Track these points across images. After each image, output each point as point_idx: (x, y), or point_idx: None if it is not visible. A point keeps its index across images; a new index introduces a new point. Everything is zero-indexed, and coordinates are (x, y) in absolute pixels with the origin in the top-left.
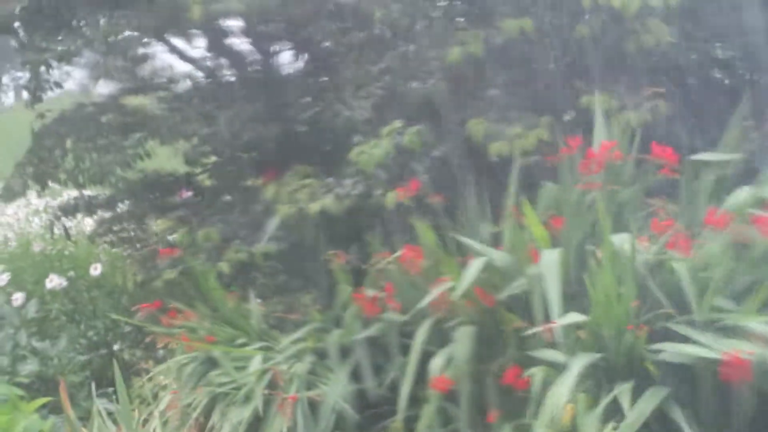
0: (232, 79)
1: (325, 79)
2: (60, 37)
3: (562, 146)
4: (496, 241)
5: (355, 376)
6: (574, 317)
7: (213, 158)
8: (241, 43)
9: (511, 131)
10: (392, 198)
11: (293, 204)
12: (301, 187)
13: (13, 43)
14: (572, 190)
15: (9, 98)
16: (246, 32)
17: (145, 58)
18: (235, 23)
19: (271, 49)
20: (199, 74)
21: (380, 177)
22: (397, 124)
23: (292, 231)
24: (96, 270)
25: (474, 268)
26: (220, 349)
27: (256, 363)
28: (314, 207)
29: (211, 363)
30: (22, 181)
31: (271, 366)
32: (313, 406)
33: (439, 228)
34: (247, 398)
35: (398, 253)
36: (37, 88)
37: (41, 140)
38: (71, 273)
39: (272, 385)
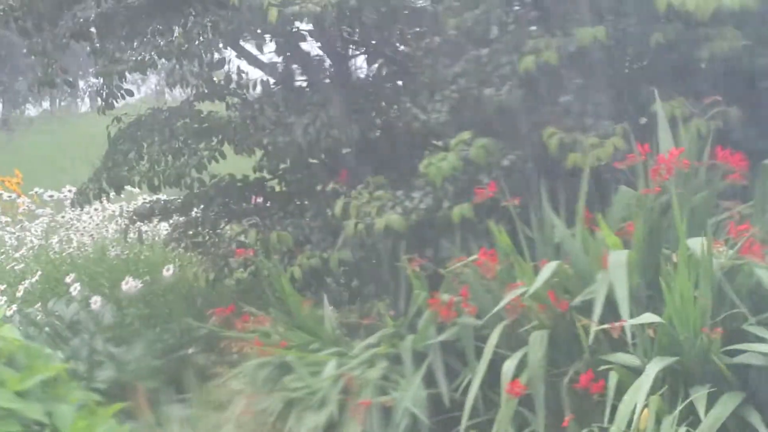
0: (305, 84)
1: (399, 83)
2: (134, 45)
3: (635, 152)
4: (568, 246)
5: (429, 380)
6: (648, 318)
7: (285, 164)
8: (314, 48)
9: (586, 141)
10: (458, 212)
11: (361, 219)
12: (371, 200)
13: (88, 48)
14: (645, 195)
15: (85, 104)
16: (319, 36)
17: (220, 64)
18: (308, 27)
19: (344, 53)
20: (272, 80)
21: (447, 190)
22: (465, 135)
23: (365, 239)
24: (168, 271)
25: (546, 271)
26: (294, 354)
27: (330, 368)
28: (380, 223)
29: (285, 368)
30: (97, 185)
31: (345, 371)
32: (386, 411)
33: (513, 233)
34: (322, 403)
35: (473, 257)
36: (109, 96)
37: (117, 145)
38: (147, 277)
39: (346, 391)
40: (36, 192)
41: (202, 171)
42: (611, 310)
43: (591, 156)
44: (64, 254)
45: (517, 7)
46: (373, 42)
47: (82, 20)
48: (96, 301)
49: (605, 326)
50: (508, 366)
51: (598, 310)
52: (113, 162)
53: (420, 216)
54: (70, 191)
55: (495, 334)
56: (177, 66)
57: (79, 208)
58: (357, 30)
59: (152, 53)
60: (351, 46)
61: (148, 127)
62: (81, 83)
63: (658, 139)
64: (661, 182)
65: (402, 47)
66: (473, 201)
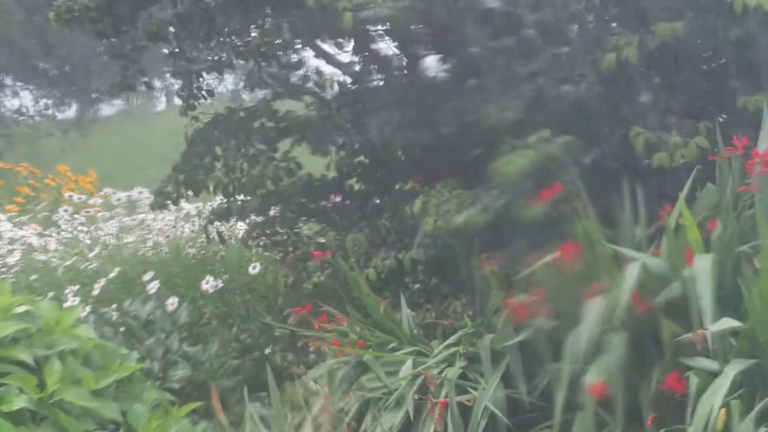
0: (381, 83)
1: (474, 81)
2: (211, 46)
3: (720, 149)
4: (650, 245)
5: (506, 380)
6: (728, 323)
7: (362, 162)
8: (389, 48)
9: (671, 140)
10: (536, 210)
11: (439, 216)
12: (450, 198)
13: (165, 50)
14: (729, 194)
15: (160, 102)
16: (394, 37)
17: (298, 65)
18: (383, 28)
19: (419, 53)
20: (348, 79)
21: (526, 187)
22: (545, 133)
23: (442, 239)
24: (255, 269)
25: (632, 274)
26: (372, 354)
27: (406, 368)
28: (459, 219)
29: (363, 367)
30: (175, 188)
31: (422, 370)
32: (464, 411)
33: (592, 232)
34: (398, 403)
35: (551, 257)
36: (189, 97)
37: (194, 146)
38: (225, 276)
39: (423, 390)
40: (107, 192)
41: (277, 183)
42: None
43: (676, 156)
44: (139, 254)
45: (597, 3)
46: (447, 41)
47: (159, 21)
48: (173, 303)
49: (688, 335)
50: (590, 369)
51: (693, 316)
52: (190, 165)
53: (498, 212)
54: (140, 192)
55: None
56: (255, 68)
57: (157, 211)
58: (430, 30)
59: (230, 53)
60: (425, 45)
61: (224, 127)
62: (157, 82)
63: (752, 134)
64: (754, 179)
65: (475, 47)
66: (543, 200)
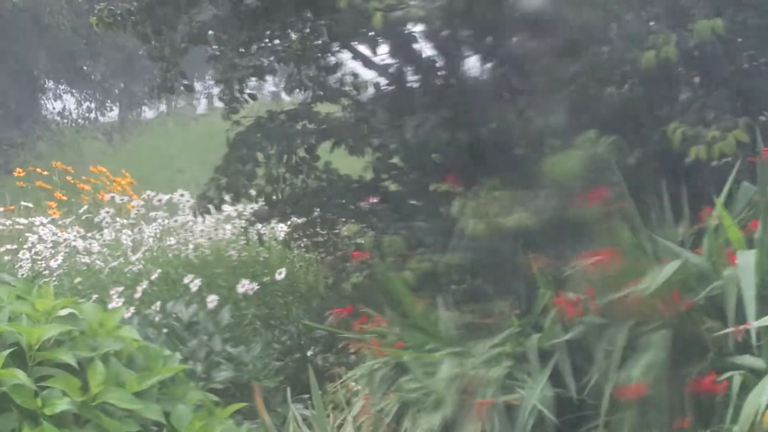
0: (417, 85)
1: (514, 84)
2: (252, 50)
3: (760, 148)
4: (692, 244)
5: (554, 380)
6: None
7: (397, 164)
8: (425, 49)
9: (708, 134)
10: (589, 212)
11: (482, 218)
12: (491, 200)
13: (207, 54)
14: None
15: (201, 105)
16: (430, 38)
17: (336, 67)
18: (418, 30)
19: (456, 54)
20: (384, 81)
21: (575, 188)
22: (591, 134)
23: (482, 240)
24: (280, 275)
25: (669, 268)
26: (410, 355)
27: (445, 369)
28: (510, 222)
29: (402, 368)
30: (217, 192)
31: (462, 371)
32: (509, 411)
33: (635, 232)
34: (437, 404)
35: (596, 257)
36: (231, 101)
37: (236, 150)
38: (266, 278)
39: (464, 391)
40: (149, 195)
41: (319, 195)
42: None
43: (713, 149)
44: (181, 256)
45: (635, 2)
46: (486, 42)
47: (199, 24)
48: (213, 300)
49: (729, 330)
50: (634, 367)
51: (733, 314)
52: (233, 169)
53: (549, 215)
54: (182, 195)
55: (621, 334)
56: (295, 71)
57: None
58: (469, 31)
59: (270, 58)
60: (463, 46)
61: (266, 130)
62: (198, 85)
63: None
64: None
65: (514, 48)
66: (590, 204)
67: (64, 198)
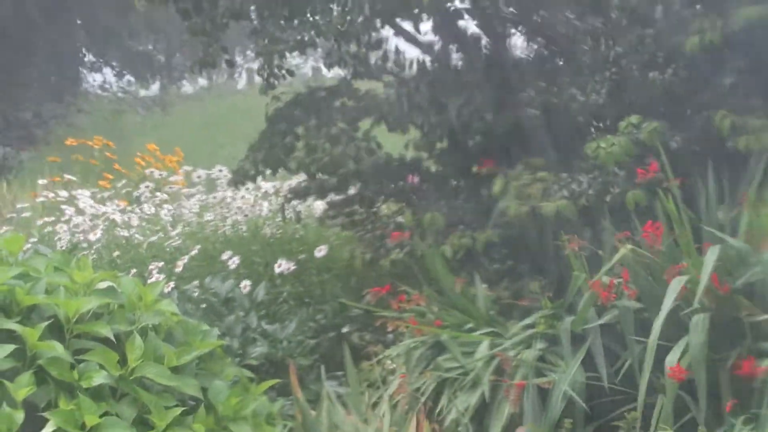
0: (461, 63)
1: (559, 63)
2: (294, 25)
3: None
4: (733, 228)
5: (586, 363)
6: None
7: (441, 144)
8: (470, 27)
9: (756, 123)
10: (632, 198)
11: (523, 201)
12: (533, 182)
13: (249, 29)
14: None
15: (242, 80)
16: (474, 15)
17: (378, 44)
18: (464, 6)
19: (502, 32)
20: (428, 58)
21: (618, 174)
22: (634, 119)
23: (522, 221)
24: (320, 252)
25: (711, 256)
26: (448, 334)
27: (483, 348)
28: (549, 208)
29: (439, 347)
30: (253, 165)
31: (499, 352)
32: (541, 394)
33: (676, 214)
34: (474, 384)
35: (632, 241)
36: (270, 76)
37: (274, 125)
38: (302, 256)
39: (499, 371)
40: (187, 170)
41: (359, 163)
42: None
43: (761, 139)
44: (218, 232)
45: None
46: (533, 21)
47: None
48: (245, 286)
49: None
50: (672, 352)
51: None
52: (270, 143)
53: (589, 201)
54: (221, 170)
55: (659, 321)
56: (336, 46)
57: (234, 188)
58: (515, 8)
59: (312, 32)
60: (509, 24)
61: (305, 106)
62: (239, 59)
63: None
64: None
65: (560, 27)
66: (638, 182)
67: (122, 170)
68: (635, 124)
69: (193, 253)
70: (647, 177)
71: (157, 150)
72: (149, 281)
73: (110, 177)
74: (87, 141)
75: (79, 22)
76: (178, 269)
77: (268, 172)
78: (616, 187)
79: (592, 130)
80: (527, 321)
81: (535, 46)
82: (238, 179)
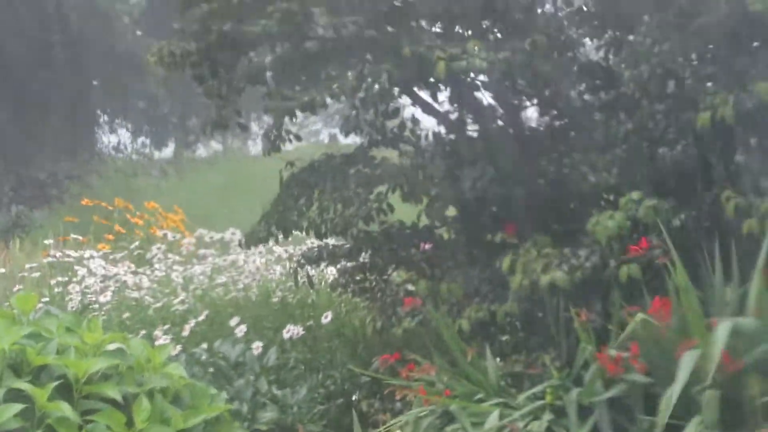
0: (475, 134)
1: (571, 136)
2: (307, 87)
3: None
4: (741, 305)
5: None
6: None
7: (453, 213)
8: (485, 98)
9: (762, 206)
10: (625, 272)
11: (527, 275)
12: (537, 258)
13: (264, 92)
14: None
15: (256, 146)
16: (490, 87)
17: (395, 112)
18: (479, 79)
19: (516, 104)
20: (443, 129)
21: (614, 249)
22: (635, 195)
23: (528, 294)
24: (326, 318)
25: (723, 332)
26: (458, 404)
27: (492, 419)
28: (544, 280)
29: (448, 417)
30: (266, 228)
31: (508, 422)
32: None
33: (683, 290)
34: None
35: (642, 314)
36: (277, 138)
37: (288, 189)
38: (310, 322)
39: None
40: (201, 233)
41: (369, 223)
42: None
43: (766, 225)
44: (229, 296)
45: (694, 62)
46: (546, 93)
47: (258, 65)
48: (258, 347)
49: None
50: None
51: None
52: (283, 206)
53: (585, 274)
54: (233, 233)
55: (668, 397)
56: (352, 114)
57: (246, 250)
58: (528, 82)
59: (323, 94)
60: (523, 96)
61: (321, 172)
62: (254, 126)
63: None
64: None
65: (575, 100)
66: (630, 258)
67: (123, 231)
68: (635, 200)
69: (201, 318)
70: (638, 254)
71: (159, 209)
72: (156, 343)
73: (111, 238)
74: (102, 202)
75: (95, 83)
76: (186, 333)
77: (281, 235)
78: (612, 261)
79: (602, 203)
80: (535, 390)
81: (548, 118)
82: (251, 241)
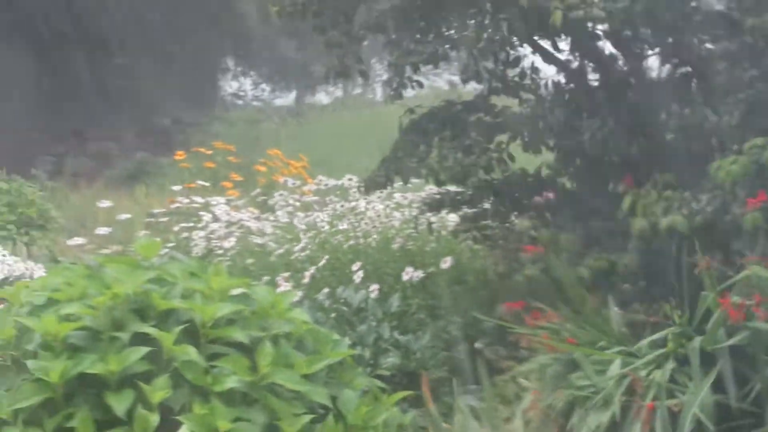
0: (596, 83)
1: (694, 84)
2: (429, 38)
3: None
4: None
5: (716, 385)
6: None
7: (576, 163)
8: (606, 47)
9: None
10: (751, 219)
11: (648, 217)
12: (658, 199)
13: (384, 42)
14: None
15: (376, 93)
16: (611, 36)
17: (516, 61)
18: (600, 27)
19: (637, 53)
20: (563, 78)
21: (738, 194)
22: (759, 141)
23: (651, 240)
24: (446, 263)
25: None
26: (582, 352)
27: (615, 367)
28: (664, 223)
29: (573, 365)
30: (386, 174)
31: (630, 371)
32: (671, 415)
33: None
34: (605, 403)
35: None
36: (399, 86)
37: (408, 135)
38: (431, 269)
39: (630, 391)
40: (320, 179)
41: (489, 172)
42: None
43: None
44: (349, 243)
45: None
46: (668, 42)
47: (378, 13)
48: (374, 290)
49: None
50: None
51: None
52: (402, 152)
53: (706, 219)
54: (350, 180)
55: None
56: (472, 62)
57: (366, 196)
58: (650, 30)
59: (445, 46)
60: (645, 45)
61: (440, 119)
62: (376, 70)
63: None
64: None
65: (695, 49)
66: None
67: (240, 179)
68: (760, 146)
69: (321, 264)
70: (759, 203)
71: (281, 155)
72: (278, 289)
73: (230, 185)
74: (227, 146)
75: (219, 30)
76: (306, 280)
77: (398, 181)
78: (735, 207)
79: (725, 151)
80: (656, 336)
81: (669, 67)
82: (370, 186)
